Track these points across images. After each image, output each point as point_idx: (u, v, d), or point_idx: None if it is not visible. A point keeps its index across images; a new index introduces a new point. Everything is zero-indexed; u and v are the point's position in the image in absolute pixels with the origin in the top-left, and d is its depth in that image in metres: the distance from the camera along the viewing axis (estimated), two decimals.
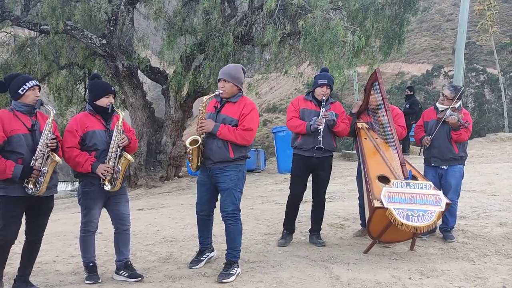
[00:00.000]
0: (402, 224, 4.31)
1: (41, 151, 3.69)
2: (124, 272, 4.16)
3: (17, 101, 3.77)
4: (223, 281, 4.05)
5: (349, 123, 5.38)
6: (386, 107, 4.95)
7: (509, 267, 4.33)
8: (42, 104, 3.83)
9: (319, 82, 5.12)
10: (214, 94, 4.33)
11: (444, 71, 43.52)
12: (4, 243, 3.70)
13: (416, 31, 66.69)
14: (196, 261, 4.52)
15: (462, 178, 5.36)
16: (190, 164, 4.40)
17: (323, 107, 5.02)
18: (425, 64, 60.34)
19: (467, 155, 5.42)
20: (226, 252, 4.31)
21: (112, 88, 4.19)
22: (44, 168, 3.67)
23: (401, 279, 4.09)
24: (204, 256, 4.57)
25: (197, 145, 4.21)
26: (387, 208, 4.35)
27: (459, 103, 5.34)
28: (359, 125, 5.52)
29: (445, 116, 5.17)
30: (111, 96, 4.12)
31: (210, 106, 4.41)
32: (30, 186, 3.65)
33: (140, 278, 4.11)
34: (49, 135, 3.73)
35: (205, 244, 4.59)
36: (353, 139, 5.64)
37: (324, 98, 5.06)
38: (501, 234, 5.40)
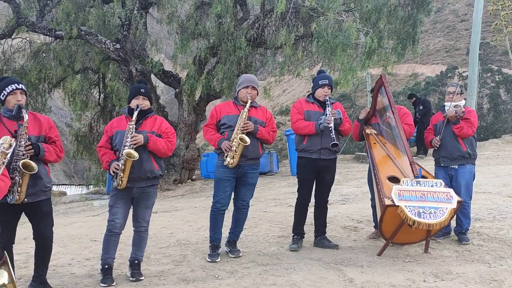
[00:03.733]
0: (414, 222, 4.30)
1: (15, 159, 3.58)
2: (129, 270, 4.30)
3: (3, 106, 3.75)
4: (240, 255, 4.83)
5: (357, 128, 5.48)
6: (393, 109, 5.00)
7: None
8: (20, 109, 3.68)
9: (320, 83, 5.12)
10: (250, 102, 4.75)
11: (459, 72, 43.13)
12: (4, 245, 3.72)
13: (430, 32, 66.17)
14: (215, 255, 4.77)
15: (473, 179, 5.32)
16: (229, 161, 4.66)
17: (328, 106, 5.01)
18: (439, 65, 59.78)
19: (477, 154, 5.40)
20: (230, 233, 4.99)
21: (142, 90, 4.28)
22: (17, 178, 3.56)
23: (416, 281, 4.06)
24: (219, 251, 4.86)
25: (247, 144, 4.59)
26: (398, 205, 4.34)
27: (463, 101, 5.43)
28: (367, 131, 5.54)
29: (445, 113, 5.28)
30: (141, 98, 4.24)
31: (231, 110, 4.83)
32: (9, 195, 3.58)
33: (134, 279, 4.18)
34: (22, 142, 3.61)
35: (219, 239, 4.88)
36: (364, 141, 5.68)
37: (327, 98, 5.07)
38: None
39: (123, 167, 4.04)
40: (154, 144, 4.18)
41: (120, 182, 4.07)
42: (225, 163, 4.67)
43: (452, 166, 5.26)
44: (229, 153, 4.64)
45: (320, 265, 4.58)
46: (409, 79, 56.11)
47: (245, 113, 4.70)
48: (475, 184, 5.68)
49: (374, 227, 5.56)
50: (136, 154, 4.04)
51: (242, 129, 4.63)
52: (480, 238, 5.34)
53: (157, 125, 4.31)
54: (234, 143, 4.62)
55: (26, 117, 3.66)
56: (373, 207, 5.43)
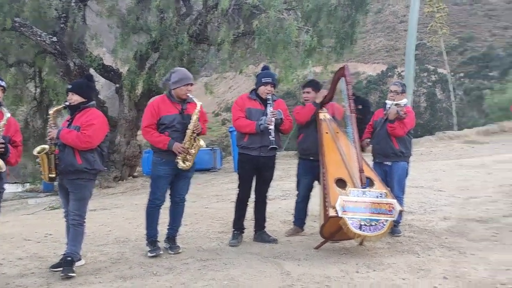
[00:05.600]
0: (355, 234, 4.45)
1: None
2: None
3: None
4: (179, 251, 4.80)
5: (311, 111, 5.34)
6: (351, 108, 4.92)
7: (451, 259, 4.50)
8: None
9: (263, 81, 5.11)
10: (199, 104, 4.74)
11: (398, 71, 44.73)
12: None
13: (371, 32, 68.19)
14: (156, 249, 4.78)
15: (407, 175, 5.54)
16: (183, 165, 4.68)
17: (270, 106, 5.03)
18: (380, 64, 61.83)
19: (411, 152, 5.59)
20: (170, 229, 4.94)
21: (69, 86, 4.53)
22: None
23: (349, 273, 4.19)
24: (159, 246, 4.86)
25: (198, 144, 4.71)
26: (341, 217, 4.43)
27: (405, 100, 5.57)
28: (321, 116, 5.39)
29: (386, 111, 5.41)
30: (70, 94, 4.41)
31: (170, 109, 4.73)
32: None
33: (63, 275, 4.11)
34: None
35: (156, 235, 4.88)
36: (293, 133, 5.61)
37: (269, 97, 5.08)
38: (445, 228, 5.63)
39: (41, 161, 4.27)
40: (63, 138, 4.27)
41: (43, 175, 4.34)
42: (179, 166, 4.64)
43: (386, 163, 5.46)
44: (181, 156, 4.62)
45: (259, 259, 4.64)
46: (352, 78, 57.53)
47: (196, 116, 4.67)
48: (409, 179, 5.91)
49: (293, 222, 5.65)
50: (40, 149, 4.25)
51: (195, 131, 4.66)
52: (411, 230, 5.59)
53: (82, 118, 4.35)
54: (193, 147, 4.67)
55: (7, 115, 3.80)
56: (298, 203, 5.57)
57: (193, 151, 4.70)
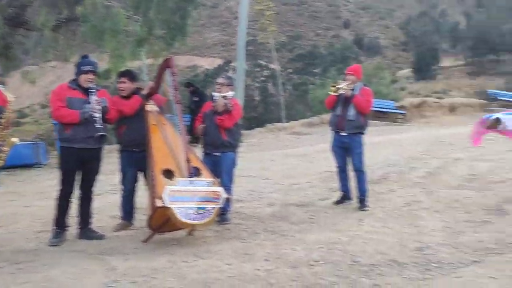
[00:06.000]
0: (183, 223, 4.49)
1: None
2: None
3: None
4: None
5: (137, 103, 5.29)
6: (176, 100, 4.96)
7: (273, 241, 4.80)
8: None
9: (83, 69, 4.93)
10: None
11: (233, 66, 46.22)
12: None
13: (207, 26, 69.43)
14: None
15: (235, 165, 5.75)
16: None
17: (92, 94, 4.84)
18: (216, 58, 63.41)
19: (239, 143, 5.82)
20: None
21: None
22: None
23: (177, 262, 4.20)
24: None
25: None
26: (169, 207, 4.42)
27: (231, 93, 5.75)
28: (148, 107, 5.37)
29: (214, 103, 5.56)
30: None
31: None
32: None
33: None
34: None
35: None
36: (116, 126, 5.49)
37: (91, 85, 4.91)
38: (270, 213, 5.99)
39: None
40: None
41: None
42: None
43: (215, 153, 5.60)
44: None
45: (84, 256, 4.43)
46: (189, 71, 58.09)
47: (10, 111, 4.35)
48: (240, 169, 6.15)
49: (121, 217, 5.54)
50: None
51: (6, 126, 4.33)
52: (239, 217, 5.82)
53: None
54: (5, 144, 4.32)
55: None
56: (124, 197, 5.46)
57: (6, 148, 4.32)
